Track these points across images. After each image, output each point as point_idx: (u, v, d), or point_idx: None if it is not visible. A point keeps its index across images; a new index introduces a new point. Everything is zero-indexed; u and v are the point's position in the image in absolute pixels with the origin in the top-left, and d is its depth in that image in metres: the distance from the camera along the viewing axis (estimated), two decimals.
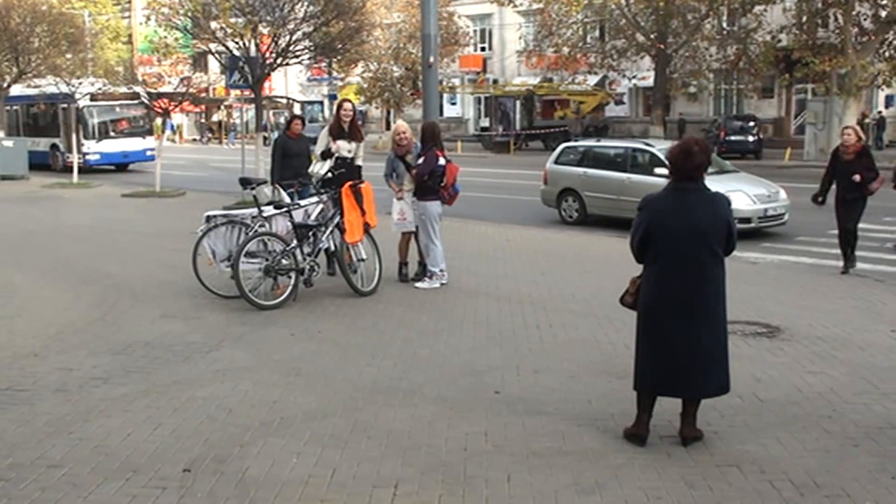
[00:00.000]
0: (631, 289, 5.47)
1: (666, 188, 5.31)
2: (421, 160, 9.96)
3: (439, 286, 9.89)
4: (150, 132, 30.87)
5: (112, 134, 29.94)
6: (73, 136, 27.21)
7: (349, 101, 11.44)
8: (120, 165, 30.53)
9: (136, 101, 28.34)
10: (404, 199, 10.18)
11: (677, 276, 5.18)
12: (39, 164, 29.72)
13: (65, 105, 29.34)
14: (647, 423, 5.32)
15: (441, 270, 10.02)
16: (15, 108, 32.10)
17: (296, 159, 11.22)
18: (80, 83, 28.20)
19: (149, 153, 29.95)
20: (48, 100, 29.35)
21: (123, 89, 26.64)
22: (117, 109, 30.06)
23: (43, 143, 31.10)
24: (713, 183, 14.74)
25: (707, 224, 5.14)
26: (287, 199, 10.18)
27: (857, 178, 10.60)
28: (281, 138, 11.64)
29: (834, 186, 11.03)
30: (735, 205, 13.69)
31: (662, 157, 13.49)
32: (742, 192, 13.91)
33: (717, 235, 5.15)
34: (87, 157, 28.99)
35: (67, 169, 28.66)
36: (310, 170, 10.66)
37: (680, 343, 5.17)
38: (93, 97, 27.67)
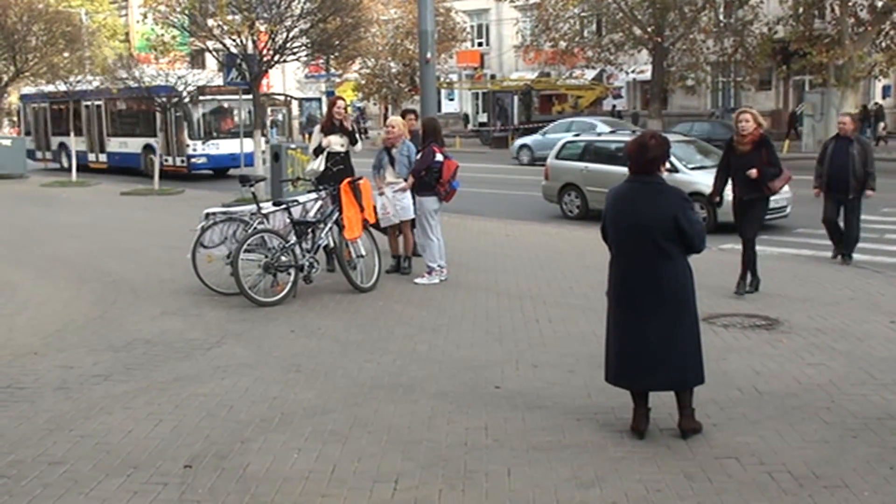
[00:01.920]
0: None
1: (625, 180, 5.35)
2: (419, 156, 9.98)
3: (439, 282, 9.90)
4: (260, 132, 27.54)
5: (215, 134, 25.73)
6: (178, 136, 24.62)
7: (342, 98, 11.50)
8: (218, 171, 26.06)
9: (248, 97, 24.95)
10: (385, 193, 10.15)
11: (621, 268, 5.29)
12: (127, 167, 26.69)
13: (164, 99, 24.27)
14: (645, 416, 5.33)
15: (440, 266, 10.03)
16: (97, 103, 28.09)
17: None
18: (188, 75, 24.78)
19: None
20: (145, 93, 23.81)
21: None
22: (226, 105, 25.62)
23: (132, 144, 27.14)
24: (712, 176, 14.54)
25: (649, 219, 5.10)
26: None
27: (753, 172, 8.80)
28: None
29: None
30: None
31: None
32: None
33: (663, 230, 5.08)
34: (192, 160, 25.33)
35: (165, 174, 24.17)
36: (306, 168, 10.66)
37: (625, 335, 5.25)
38: (200, 90, 23.91)
